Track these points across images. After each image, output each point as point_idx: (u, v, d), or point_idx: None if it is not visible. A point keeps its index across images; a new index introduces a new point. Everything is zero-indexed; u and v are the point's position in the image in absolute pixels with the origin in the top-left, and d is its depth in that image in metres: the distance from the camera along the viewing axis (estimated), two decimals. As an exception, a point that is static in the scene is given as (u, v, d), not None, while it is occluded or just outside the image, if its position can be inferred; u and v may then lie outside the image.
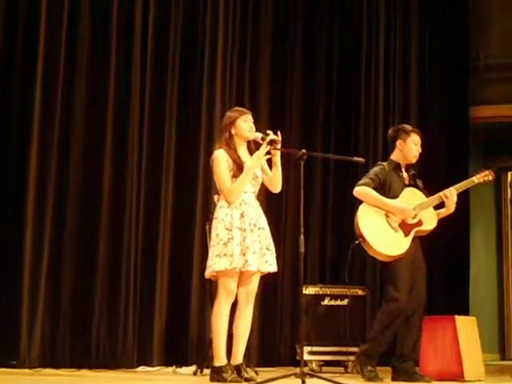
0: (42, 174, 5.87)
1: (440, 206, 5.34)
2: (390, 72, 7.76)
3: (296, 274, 5.74)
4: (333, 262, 7.37)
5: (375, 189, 5.22)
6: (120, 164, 6.29)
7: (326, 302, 6.36)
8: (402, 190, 5.28)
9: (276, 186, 4.97)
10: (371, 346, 5.19)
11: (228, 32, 6.97)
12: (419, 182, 5.44)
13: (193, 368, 5.79)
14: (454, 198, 5.27)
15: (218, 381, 4.69)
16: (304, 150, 4.72)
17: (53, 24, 5.96)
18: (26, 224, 5.75)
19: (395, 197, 5.24)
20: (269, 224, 4.95)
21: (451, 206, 5.28)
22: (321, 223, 7.39)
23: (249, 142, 4.95)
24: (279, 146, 4.81)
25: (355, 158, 5.10)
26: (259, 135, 4.86)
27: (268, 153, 4.83)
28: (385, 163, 5.35)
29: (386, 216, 5.20)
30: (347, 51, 7.74)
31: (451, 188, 5.29)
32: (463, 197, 7.60)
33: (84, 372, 5.66)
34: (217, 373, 4.73)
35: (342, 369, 6.26)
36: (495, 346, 8.97)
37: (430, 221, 5.26)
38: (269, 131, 4.82)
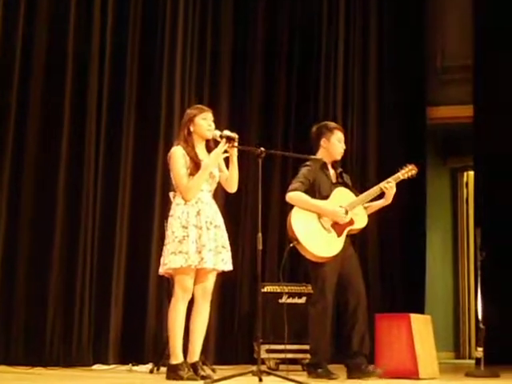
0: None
1: (377, 197, 5.37)
2: (348, 70, 7.80)
3: (254, 271, 5.73)
4: (291, 260, 7.39)
5: (306, 191, 5.23)
6: (77, 159, 6.24)
7: (284, 299, 6.37)
8: (331, 188, 5.30)
9: (232, 186, 4.97)
10: (315, 357, 5.21)
11: (188, 26, 6.95)
12: (347, 179, 5.47)
13: (149, 366, 5.77)
14: (393, 190, 5.32)
15: (175, 379, 4.68)
16: (262, 148, 4.73)
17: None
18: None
19: (325, 196, 5.26)
20: (227, 222, 4.95)
21: (390, 197, 5.33)
22: (280, 221, 7.40)
23: (208, 141, 4.94)
24: (237, 144, 4.81)
25: (312, 157, 5.11)
26: (217, 133, 4.85)
27: (226, 151, 4.83)
28: (310, 163, 5.34)
29: (319, 217, 5.21)
30: (307, 45, 7.76)
31: (389, 179, 5.33)
32: (420, 197, 7.73)
33: (39, 370, 5.61)
34: (173, 371, 4.72)
35: (299, 367, 6.28)
36: (450, 344, 9.07)
37: (360, 219, 5.30)
38: (226, 131, 4.82)
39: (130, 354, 6.17)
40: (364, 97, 7.82)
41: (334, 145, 5.37)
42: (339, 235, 5.22)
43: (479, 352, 5.78)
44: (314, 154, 5.39)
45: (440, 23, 8.31)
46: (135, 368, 5.89)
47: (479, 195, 7.84)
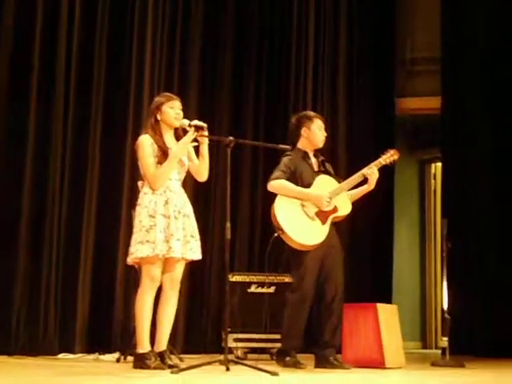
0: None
1: (360, 183, 5.40)
2: (318, 61, 7.82)
3: (223, 261, 5.73)
4: (261, 250, 7.40)
5: (287, 180, 5.23)
6: (43, 146, 6.18)
7: (253, 289, 6.38)
8: (313, 177, 5.31)
9: (202, 175, 4.96)
10: (286, 343, 5.23)
11: (158, 13, 6.91)
12: (329, 167, 5.49)
13: (116, 355, 5.74)
14: (376, 175, 5.35)
15: (142, 368, 4.66)
16: (231, 138, 4.72)
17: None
18: None
19: (307, 184, 5.27)
20: (197, 211, 4.94)
21: (373, 183, 5.36)
22: (249, 210, 7.41)
23: (176, 129, 4.92)
24: (206, 133, 4.79)
25: (281, 146, 5.10)
26: (186, 122, 4.83)
27: (195, 140, 4.81)
28: (292, 152, 5.34)
29: (302, 206, 5.22)
30: (278, 35, 7.75)
31: (371, 165, 5.36)
32: (388, 187, 7.77)
33: (3, 358, 5.57)
34: (140, 360, 4.71)
35: (267, 356, 6.29)
36: (417, 334, 9.15)
37: (344, 206, 5.32)
38: (195, 120, 4.80)
39: (97, 343, 6.14)
40: (333, 88, 7.85)
41: (314, 133, 5.38)
42: (323, 223, 5.22)
43: (444, 342, 5.84)
44: (295, 144, 5.40)
45: (409, 15, 8.36)
46: (102, 357, 5.86)
47: (446, 186, 7.91)
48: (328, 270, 5.25)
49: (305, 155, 5.38)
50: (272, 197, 5.30)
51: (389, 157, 5.47)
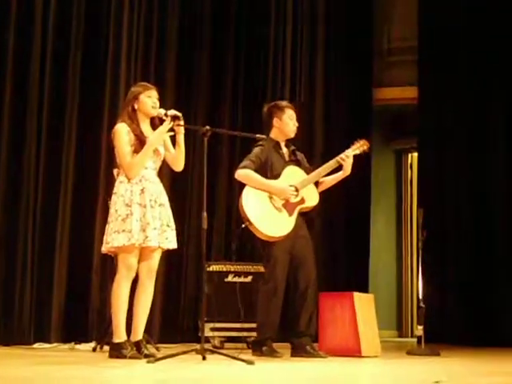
0: None
1: (335, 170, 5.41)
2: (296, 51, 7.81)
3: (200, 250, 5.73)
4: (238, 239, 7.40)
5: (257, 170, 5.23)
6: (18, 134, 6.12)
7: (230, 278, 6.38)
8: (283, 167, 5.32)
9: (179, 165, 4.95)
10: (260, 334, 5.26)
11: (134, 5, 6.85)
12: (300, 156, 5.49)
13: (92, 344, 5.73)
14: (351, 161, 5.35)
15: (117, 357, 4.66)
16: (207, 127, 4.71)
17: None
18: None
19: (276, 174, 5.28)
20: (173, 201, 4.93)
21: (348, 169, 5.37)
22: (226, 200, 7.40)
23: (153, 119, 4.91)
24: (182, 123, 4.78)
25: (258, 135, 5.10)
26: (162, 111, 4.82)
27: (172, 130, 4.80)
28: (263, 142, 5.33)
29: (270, 197, 5.23)
30: (256, 25, 7.73)
31: (346, 151, 5.36)
32: (364, 177, 7.80)
33: (-22, 348, 5.53)
34: (116, 349, 4.70)
35: (244, 345, 6.31)
36: (393, 323, 9.21)
37: (311, 197, 5.34)
38: (172, 110, 4.78)
39: (73, 333, 6.11)
40: (311, 78, 7.85)
41: (285, 123, 5.38)
42: (290, 214, 5.24)
43: (419, 330, 5.89)
44: (267, 134, 5.39)
45: (386, 5, 8.37)
46: (78, 346, 5.84)
47: (423, 176, 7.95)
48: (299, 260, 5.28)
49: (276, 145, 5.38)
50: (240, 185, 5.31)
51: (358, 147, 5.48)
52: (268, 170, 5.27)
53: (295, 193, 5.25)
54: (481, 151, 7.52)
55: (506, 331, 7.08)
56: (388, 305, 9.04)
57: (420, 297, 6.04)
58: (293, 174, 5.32)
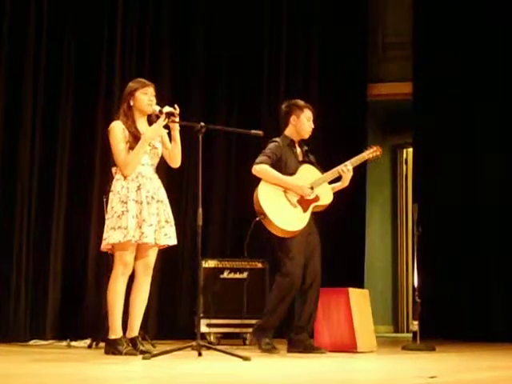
0: None
1: (335, 180, 5.44)
2: (291, 45, 7.80)
3: (196, 247, 5.73)
4: (234, 236, 7.40)
5: (272, 166, 5.26)
6: (12, 134, 6.12)
7: (226, 275, 6.38)
8: (297, 166, 5.37)
9: (175, 161, 4.95)
10: (266, 320, 5.27)
11: (128, 0, 6.84)
12: (312, 158, 5.53)
13: (88, 341, 5.73)
14: (351, 173, 5.38)
15: (113, 353, 4.67)
16: (202, 123, 4.71)
17: None
18: None
19: (290, 173, 5.32)
20: (170, 197, 4.93)
21: (347, 180, 5.41)
22: (222, 196, 7.40)
23: (149, 115, 4.90)
24: (177, 119, 4.78)
25: (253, 131, 5.11)
26: (157, 108, 4.81)
27: (167, 127, 4.80)
28: (279, 139, 5.38)
29: (285, 192, 5.28)
30: (251, 21, 7.72)
31: (347, 163, 5.40)
32: (359, 172, 7.78)
33: (-26, 345, 5.53)
34: (112, 345, 4.71)
35: (240, 341, 6.32)
36: (389, 318, 9.23)
37: (326, 196, 5.39)
38: (167, 107, 4.78)
39: (69, 329, 6.11)
40: (305, 73, 7.84)
41: (302, 122, 5.41)
42: (305, 211, 5.29)
43: (415, 325, 5.90)
44: (282, 131, 5.42)
45: (381, 0, 8.36)
46: (73, 343, 5.84)
47: (418, 172, 7.96)
48: (308, 257, 5.32)
49: (291, 143, 5.42)
50: (251, 181, 5.32)
51: (372, 152, 5.55)
52: (282, 167, 5.31)
53: (311, 190, 5.28)
54: (475, 147, 7.53)
55: (500, 326, 7.09)
56: (383, 300, 9.06)
57: (416, 292, 6.05)
58: (308, 173, 5.37)
